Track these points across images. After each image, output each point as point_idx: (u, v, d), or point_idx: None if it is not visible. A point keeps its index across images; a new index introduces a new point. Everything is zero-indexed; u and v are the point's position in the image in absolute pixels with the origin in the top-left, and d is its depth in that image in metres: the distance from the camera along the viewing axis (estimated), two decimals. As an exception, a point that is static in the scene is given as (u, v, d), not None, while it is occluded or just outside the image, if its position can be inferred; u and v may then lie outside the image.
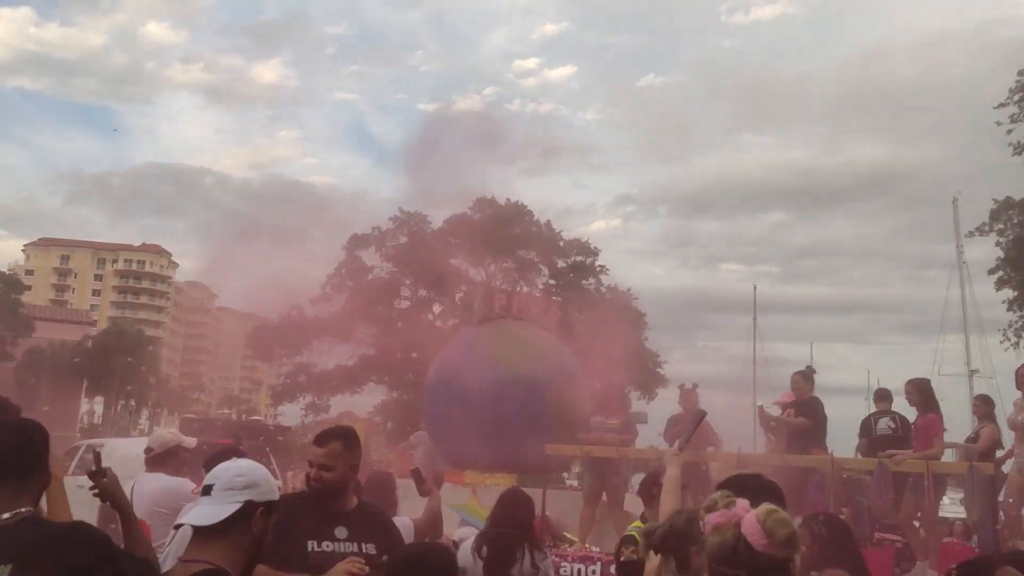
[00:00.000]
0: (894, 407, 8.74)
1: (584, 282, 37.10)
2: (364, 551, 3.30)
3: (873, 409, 8.88)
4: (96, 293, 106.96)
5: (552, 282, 37.31)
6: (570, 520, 8.73)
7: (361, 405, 35.10)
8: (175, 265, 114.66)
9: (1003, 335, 26.70)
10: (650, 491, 5.22)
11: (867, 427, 8.66)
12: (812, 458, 7.93)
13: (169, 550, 3.71)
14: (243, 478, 2.41)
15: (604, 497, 9.07)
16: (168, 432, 6.04)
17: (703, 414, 5.66)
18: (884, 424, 8.47)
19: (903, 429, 8.34)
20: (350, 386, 36.94)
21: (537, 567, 5.05)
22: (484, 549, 5.02)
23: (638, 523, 5.04)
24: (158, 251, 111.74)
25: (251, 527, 2.35)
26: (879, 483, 7.49)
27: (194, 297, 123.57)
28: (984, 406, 8.79)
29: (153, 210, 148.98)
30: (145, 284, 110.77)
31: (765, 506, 2.26)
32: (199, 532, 2.33)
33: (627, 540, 4.80)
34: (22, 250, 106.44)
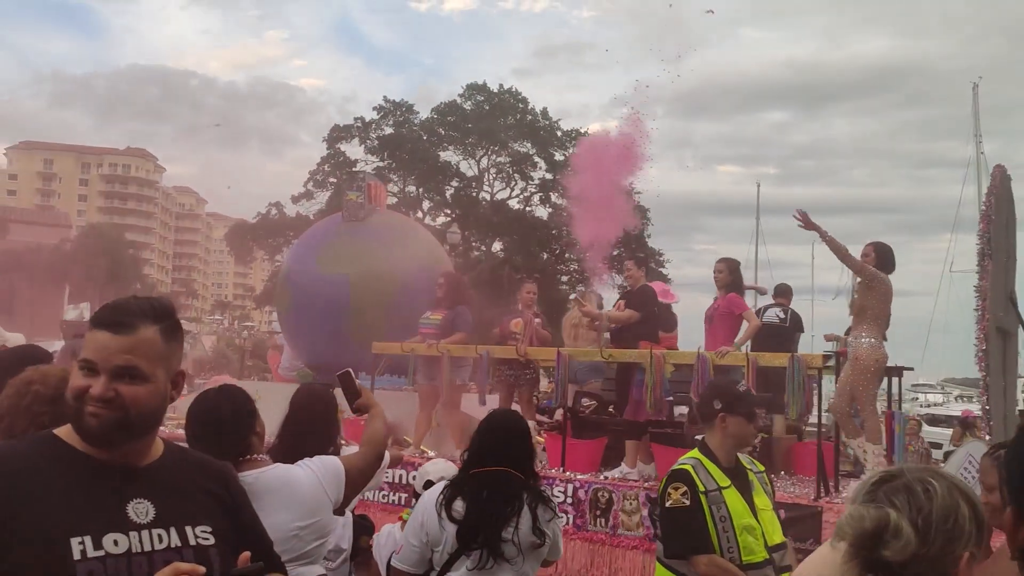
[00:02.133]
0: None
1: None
2: (196, 543, 1.66)
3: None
4: (83, 199, 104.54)
5: (549, 176, 34.97)
6: (411, 424, 8.09)
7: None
8: (161, 169, 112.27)
9: None
10: (711, 407, 3.43)
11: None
12: (634, 352, 7.06)
13: None
14: None
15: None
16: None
17: None
18: (772, 313, 8.33)
19: (792, 322, 8.31)
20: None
21: (542, 532, 3.20)
22: (458, 504, 3.17)
23: (695, 453, 3.43)
24: (144, 155, 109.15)
25: None
26: (697, 377, 6.56)
27: (183, 203, 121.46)
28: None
29: (138, 114, 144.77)
30: (132, 189, 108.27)
31: None
32: None
33: (676, 477, 3.29)
34: (4, 153, 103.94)
